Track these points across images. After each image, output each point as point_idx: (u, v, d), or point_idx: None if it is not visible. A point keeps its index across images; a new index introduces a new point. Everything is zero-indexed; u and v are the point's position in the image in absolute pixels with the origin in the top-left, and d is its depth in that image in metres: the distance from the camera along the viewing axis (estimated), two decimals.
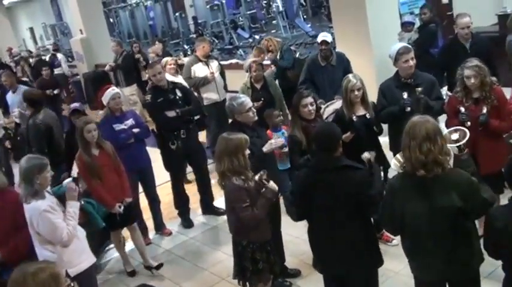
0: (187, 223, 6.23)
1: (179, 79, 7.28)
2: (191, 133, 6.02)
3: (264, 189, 3.82)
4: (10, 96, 8.74)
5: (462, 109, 4.39)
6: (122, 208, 5.08)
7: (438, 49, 7.56)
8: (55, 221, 3.83)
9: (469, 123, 4.31)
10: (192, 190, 6.60)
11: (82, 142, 5.01)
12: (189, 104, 5.94)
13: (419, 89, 4.70)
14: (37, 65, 13.36)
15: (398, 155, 3.38)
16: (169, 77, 6.83)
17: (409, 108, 4.59)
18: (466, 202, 2.95)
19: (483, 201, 3.00)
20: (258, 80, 6.48)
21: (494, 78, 5.10)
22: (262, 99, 6.23)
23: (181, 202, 6.27)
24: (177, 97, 5.86)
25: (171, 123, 5.81)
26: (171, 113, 5.75)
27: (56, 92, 10.83)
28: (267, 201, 3.83)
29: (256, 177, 3.83)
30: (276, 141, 4.57)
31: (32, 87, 9.87)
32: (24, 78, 13.01)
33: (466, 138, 3.46)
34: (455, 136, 3.49)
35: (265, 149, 4.46)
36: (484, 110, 4.33)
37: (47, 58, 14.13)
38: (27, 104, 6.37)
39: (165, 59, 7.91)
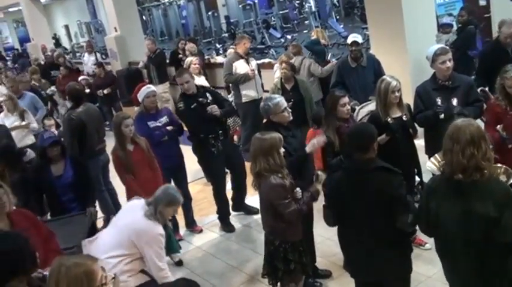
0: (228, 228, 6.11)
1: (201, 80, 7.30)
2: (228, 134, 6.03)
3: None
4: None
5: (499, 127, 4.30)
6: None
7: (476, 51, 7.46)
8: (162, 251, 3.84)
9: (510, 146, 4.26)
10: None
11: (119, 137, 5.11)
12: (220, 106, 5.85)
13: (455, 101, 4.62)
14: (46, 67, 13.26)
15: (433, 159, 3.33)
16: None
17: (442, 115, 4.54)
18: (502, 212, 2.84)
19: None
20: (288, 80, 6.47)
21: None
22: (292, 100, 6.23)
23: (223, 207, 6.17)
24: (209, 101, 5.78)
25: (209, 127, 5.71)
26: (216, 112, 5.65)
27: (105, 91, 10.79)
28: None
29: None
30: (317, 139, 4.43)
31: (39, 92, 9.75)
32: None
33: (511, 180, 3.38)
34: (503, 178, 3.41)
35: (308, 149, 4.39)
36: None
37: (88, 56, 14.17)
38: (68, 98, 6.44)
39: (189, 59, 7.96)
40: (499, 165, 3.52)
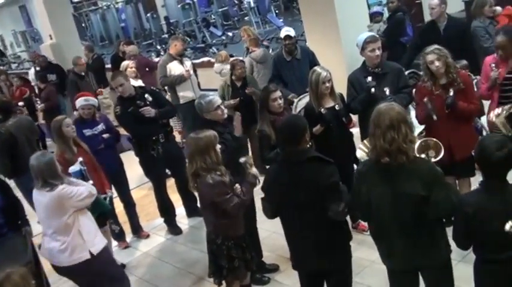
0: (175, 231, 6.05)
1: (139, 83, 7.20)
2: (169, 136, 5.92)
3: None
4: None
5: (425, 99, 4.36)
6: (108, 199, 5.10)
7: (408, 37, 7.62)
8: (76, 188, 4.09)
9: (435, 117, 4.32)
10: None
11: (62, 139, 4.98)
12: (161, 107, 5.78)
13: (387, 91, 4.69)
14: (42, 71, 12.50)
15: (361, 145, 3.39)
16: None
17: (373, 89, 4.63)
18: (430, 190, 2.94)
19: (447, 195, 2.97)
20: (240, 78, 6.46)
21: (464, 62, 5.15)
22: (242, 97, 6.27)
23: (166, 210, 6.12)
24: (148, 102, 5.67)
25: (148, 129, 5.64)
26: (150, 113, 5.57)
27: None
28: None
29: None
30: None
31: None
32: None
33: (440, 155, 3.47)
34: (431, 153, 3.51)
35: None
36: (451, 93, 4.35)
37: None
38: None
39: (125, 63, 7.85)
40: (431, 138, 3.63)
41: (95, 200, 4.36)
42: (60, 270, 4.25)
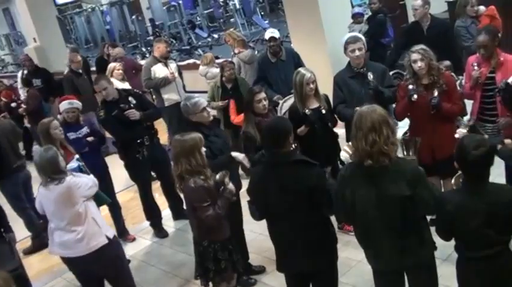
0: (162, 234, 6.04)
1: (126, 85, 7.15)
2: (154, 139, 5.90)
3: (223, 189, 3.85)
4: None
5: (410, 86, 4.40)
6: None
7: (389, 38, 7.67)
8: (82, 179, 4.20)
9: (415, 96, 4.35)
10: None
11: (49, 142, 4.92)
12: (145, 109, 5.75)
13: (371, 76, 4.72)
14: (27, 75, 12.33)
15: (345, 147, 3.40)
16: (116, 83, 6.72)
17: None
18: (414, 189, 2.96)
19: (430, 192, 3.01)
20: (230, 80, 6.45)
21: (447, 63, 5.18)
22: (232, 99, 6.24)
23: (152, 213, 6.10)
24: (132, 105, 5.64)
25: (133, 132, 5.62)
26: (135, 116, 5.54)
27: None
28: (226, 201, 3.86)
29: (218, 176, 3.84)
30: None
31: None
32: None
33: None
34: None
35: (234, 154, 4.46)
36: (436, 93, 4.38)
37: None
38: None
39: (112, 65, 7.80)
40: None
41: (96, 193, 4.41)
42: (76, 261, 4.17)
